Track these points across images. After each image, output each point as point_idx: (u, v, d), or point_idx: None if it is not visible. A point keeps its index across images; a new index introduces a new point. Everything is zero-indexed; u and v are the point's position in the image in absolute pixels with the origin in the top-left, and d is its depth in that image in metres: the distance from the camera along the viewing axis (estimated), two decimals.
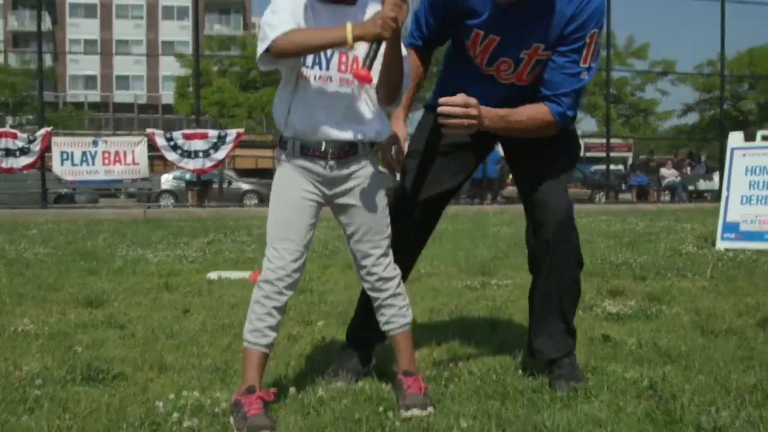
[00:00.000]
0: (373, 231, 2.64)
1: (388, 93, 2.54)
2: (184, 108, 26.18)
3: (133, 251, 7.82)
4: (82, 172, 16.44)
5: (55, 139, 16.23)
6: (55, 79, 44.70)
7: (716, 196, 24.95)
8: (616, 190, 24.49)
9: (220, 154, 16.70)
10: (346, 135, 2.53)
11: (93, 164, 16.35)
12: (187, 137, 16.49)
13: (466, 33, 2.83)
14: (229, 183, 25.31)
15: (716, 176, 25.77)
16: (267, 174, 38.78)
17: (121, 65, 62.20)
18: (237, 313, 4.29)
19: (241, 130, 17.44)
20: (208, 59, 25.47)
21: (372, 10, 2.51)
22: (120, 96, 57.51)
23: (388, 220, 2.69)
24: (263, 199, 26.16)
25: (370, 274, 2.66)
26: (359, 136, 2.55)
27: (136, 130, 43.23)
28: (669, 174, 25.96)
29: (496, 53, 2.81)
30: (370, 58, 2.35)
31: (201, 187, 18.09)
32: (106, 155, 16.39)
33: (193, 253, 7.67)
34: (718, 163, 25.76)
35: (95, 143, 16.49)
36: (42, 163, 16.60)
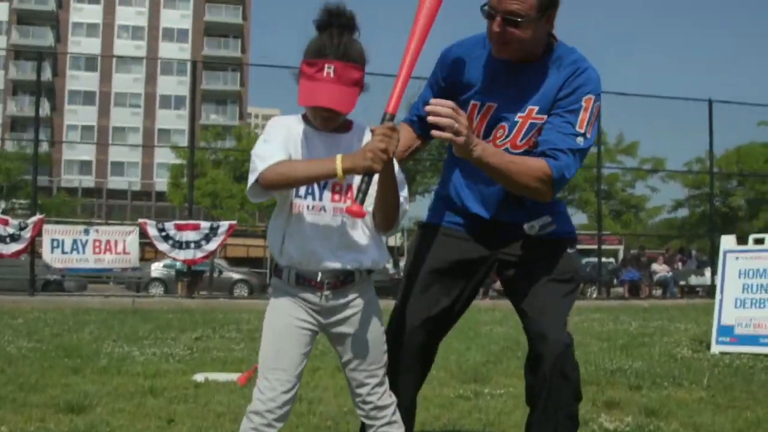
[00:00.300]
0: (368, 360, 2.55)
1: (385, 220, 2.49)
2: (178, 198, 26.33)
3: (119, 348, 7.66)
4: (72, 260, 16.40)
5: (46, 227, 16.25)
6: (50, 164, 44.99)
7: (708, 291, 25.02)
8: (608, 285, 24.47)
9: (212, 246, 16.69)
10: (342, 264, 2.46)
11: (83, 252, 16.31)
12: (179, 228, 16.50)
13: (463, 110, 2.76)
14: (220, 272, 25.22)
15: (707, 271, 25.84)
16: (258, 263, 38.88)
17: (117, 151, 62.85)
18: (224, 424, 4.16)
19: (234, 222, 17.49)
20: (203, 150, 25.74)
21: (368, 136, 2.47)
22: (114, 182, 57.86)
23: (385, 347, 2.61)
24: (254, 290, 26.07)
25: (365, 402, 2.57)
26: (355, 265, 2.48)
27: (129, 217, 43.35)
28: (660, 269, 26.02)
29: (493, 120, 2.79)
30: (362, 192, 2.29)
31: (191, 277, 18.01)
32: (97, 244, 16.36)
33: (181, 351, 7.52)
34: (709, 257, 25.92)
35: (86, 231, 16.50)
36: (32, 249, 16.52)
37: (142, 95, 66.53)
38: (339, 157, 2.29)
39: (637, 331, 10.54)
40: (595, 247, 23.37)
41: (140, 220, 17.30)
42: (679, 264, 28.37)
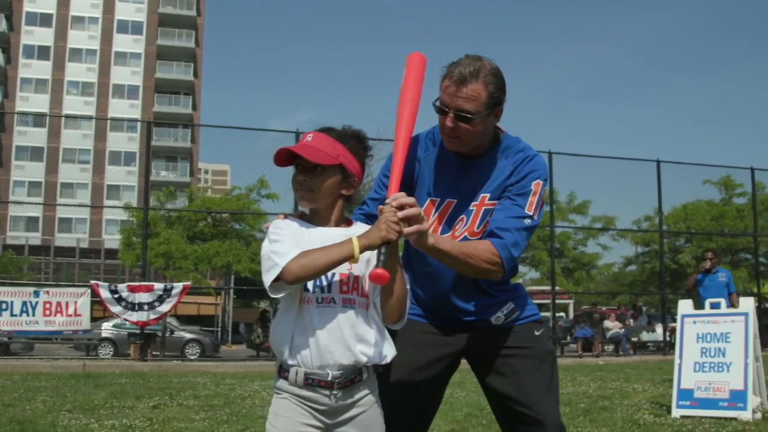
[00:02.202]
0: None
1: (394, 311, 2.50)
2: (130, 258, 25.93)
3: (75, 419, 7.46)
4: (21, 322, 16.05)
5: None
6: None
7: (659, 347, 25.39)
8: (562, 343, 24.62)
9: (165, 307, 16.47)
10: (353, 358, 2.44)
11: (33, 315, 15.99)
12: (131, 290, 16.26)
13: (419, 204, 2.85)
14: (171, 332, 24.76)
15: (659, 327, 26.22)
16: (209, 321, 38.39)
17: (65, 207, 61.82)
18: None
19: (188, 283, 17.29)
20: (156, 210, 25.53)
21: (362, 229, 2.51)
22: (61, 239, 56.78)
23: None
24: (206, 349, 25.66)
25: None
26: (364, 359, 2.46)
27: (78, 275, 42.53)
28: (613, 326, 26.31)
29: (453, 214, 2.90)
30: (382, 260, 2.34)
31: (144, 340, 17.64)
32: (48, 306, 16.05)
33: (140, 422, 7.34)
34: (660, 313, 26.29)
35: (36, 293, 16.16)
36: None
37: (92, 151, 65.84)
38: (354, 238, 2.35)
39: (597, 393, 10.60)
40: (547, 301, 23.61)
41: (92, 282, 17.00)
42: (631, 320, 28.73)
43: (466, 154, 2.91)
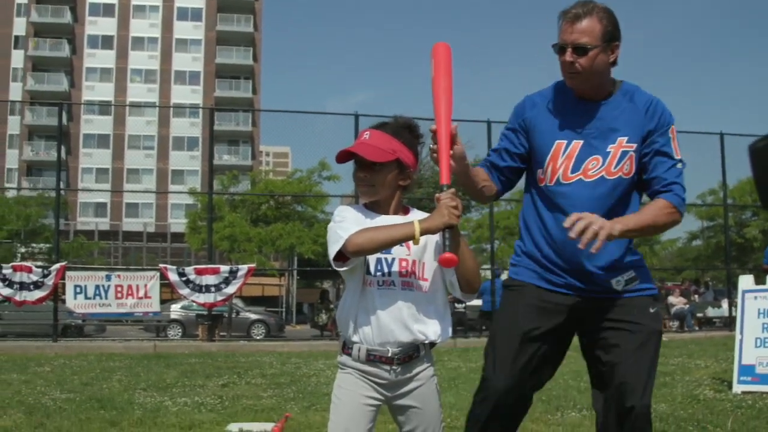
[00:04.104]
0: (429, 430, 2.71)
1: (466, 282, 2.67)
2: (196, 242, 26.53)
3: (150, 397, 7.82)
4: (95, 305, 16.59)
5: (69, 273, 16.48)
6: (66, 209, 45.45)
7: (725, 322, 25.00)
8: None
9: (231, 289, 16.87)
10: (411, 337, 2.63)
11: (106, 298, 16.51)
12: (198, 272, 16.69)
13: (546, 149, 3.07)
14: (237, 313, 25.35)
15: (724, 303, 25.80)
16: (273, 302, 39.02)
17: (131, 193, 63.41)
18: None
19: (253, 265, 17.68)
20: (220, 195, 26.03)
21: (420, 216, 2.67)
22: (129, 224, 58.24)
23: (442, 417, 2.77)
24: (271, 330, 26.19)
25: None
26: (422, 338, 2.65)
27: (145, 258, 43.64)
28: (677, 302, 25.98)
29: (582, 154, 3.03)
30: (448, 244, 2.49)
31: (211, 321, 18.12)
32: (119, 289, 16.57)
33: (211, 399, 7.67)
34: (726, 287, 25.91)
35: (108, 277, 16.70)
36: (55, 295, 16.72)
37: (156, 137, 67.24)
38: (415, 221, 2.52)
39: (658, 369, 10.59)
40: None
41: (161, 265, 17.51)
42: (695, 296, 28.33)
43: (588, 96, 3.06)
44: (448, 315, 2.76)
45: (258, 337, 24.73)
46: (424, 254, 2.69)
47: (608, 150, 3.01)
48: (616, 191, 3.01)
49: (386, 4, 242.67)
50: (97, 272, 17.43)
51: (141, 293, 16.62)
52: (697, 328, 24.92)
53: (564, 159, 3.04)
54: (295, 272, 34.90)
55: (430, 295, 2.69)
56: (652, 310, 3.08)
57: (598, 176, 3.01)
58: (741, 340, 8.38)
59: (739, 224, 32.33)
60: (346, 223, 2.61)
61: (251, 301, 32.63)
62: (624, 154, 3.00)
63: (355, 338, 2.66)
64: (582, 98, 3.06)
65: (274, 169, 62.55)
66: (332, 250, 2.59)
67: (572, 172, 3.03)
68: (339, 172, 24.85)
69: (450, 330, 2.75)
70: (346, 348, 2.70)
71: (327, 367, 11.47)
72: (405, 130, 2.73)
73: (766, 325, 8.29)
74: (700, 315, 26.79)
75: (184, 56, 70.44)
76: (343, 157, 2.71)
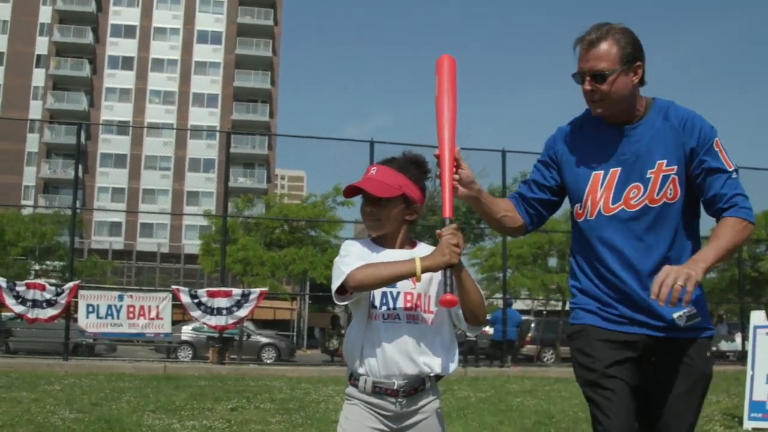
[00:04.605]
0: None
1: (471, 314, 2.68)
2: (209, 264, 26.62)
3: (159, 420, 7.84)
4: (107, 324, 16.67)
5: (81, 292, 16.57)
6: (81, 227, 45.76)
7: (739, 356, 24.81)
8: None
9: (243, 312, 16.91)
10: (416, 369, 2.65)
11: (117, 318, 16.58)
12: (211, 294, 16.75)
13: (583, 182, 2.96)
14: (248, 336, 25.36)
15: (738, 336, 25.62)
16: (284, 326, 39.01)
17: (146, 213, 63.78)
18: None
19: (265, 289, 17.72)
20: (235, 217, 26.15)
21: (427, 250, 2.71)
22: (143, 245, 58.51)
23: None
24: (281, 354, 26.17)
25: None
26: (427, 370, 2.67)
27: (158, 279, 43.77)
28: None
29: (621, 183, 2.89)
30: (449, 284, 2.51)
31: (222, 344, 18.15)
32: (131, 309, 16.65)
33: (219, 423, 7.68)
34: (739, 321, 25.72)
35: (121, 297, 16.78)
36: (67, 314, 16.80)
37: (173, 158, 67.72)
38: (417, 258, 2.54)
39: None
40: None
41: (173, 287, 17.58)
42: None
43: (620, 120, 2.93)
44: (454, 347, 2.77)
45: (268, 361, 24.73)
46: (429, 287, 2.71)
47: (648, 176, 2.87)
48: (664, 218, 2.87)
49: (404, 28, 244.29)
50: (109, 292, 17.51)
51: (153, 314, 16.68)
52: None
53: (603, 191, 2.92)
54: (307, 297, 34.89)
55: (436, 328, 2.71)
56: (708, 354, 2.95)
57: (641, 205, 2.87)
58: (752, 376, 8.32)
59: (753, 258, 32.14)
60: (350, 258, 2.65)
61: (262, 324, 32.64)
62: (665, 178, 2.86)
63: (361, 370, 2.69)
64: (614, 123, 2.94)
65: (289, 193, 62.94)
66: (334, 285, 2.63)
67: (613, 203, 2.90)
68: (353, 198, 24.93)
69: (456, 362, 2.76)
70: (353, 379, 2.73)
71: (336, 393, 11.46)
72: (412, 166, 2.77)
73: None
74: (714, 348, 26.61)
75: (202, 79, 71.09)
76: (351, 192, 2.76)
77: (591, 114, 2.98)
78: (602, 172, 2.92)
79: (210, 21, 72.46)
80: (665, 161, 2.86)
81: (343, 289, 2.62)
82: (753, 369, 8.39)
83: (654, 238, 2.87)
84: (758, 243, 32.38)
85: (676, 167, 2.86)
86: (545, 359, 25.44)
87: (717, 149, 2.86)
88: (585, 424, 8.07)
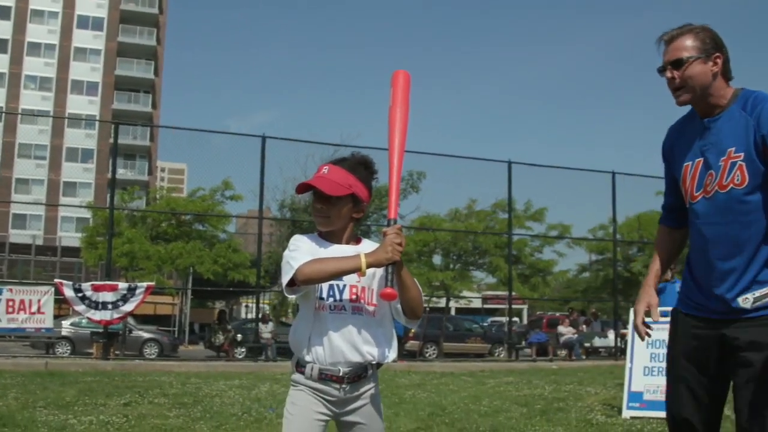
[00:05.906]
0: None
1: (410, 309, 2.87)
2: (93, 257, 25.81)
3: (53, 416, 7.68)
4: None
5: None
6: None
7: (611, 352, 26.08)
8: (517, 348, 25.19)
9: (128, 307, 16.62)
10: (360, 357, 2.82)
11: None
12: (96, 288, 16.36)
13: (679, 174, 3.16)
14: (130, 331, 24.78)
15: (611, 333, 26.91)
16: (166, 321, 38.24)
17: (19, 204, 60.99)
18: None
19: (152, 284, 17.42)
20: (122, 210, 25.51)
21: (371, 246, 2.88)
22: (16, 236, 56.01)
23: None
24: (164, 349, 25.66)
25: None
26: (370, 358, 2.85)
27: (33, 272, 42.08)
28: (566, 331, 26.91)
29: (702, 172, 3.04)
30: (390, 280, 2.70)
31: (107, 339, 17.72)
32: (11, 303, 16.07)
33: (116, 418, 7.59)
34: (612, 319, 27.00)
35: (0, 291, 16.15)
36: None
37: (48, 147, 65.06)
38: (362, 254, 2.72)
39: (552, 395, 11.06)
40: (502, 306, 24.06)
41: (56, 281, 17.05)
42: (584, 326, 29.40)
43: (706, 112, 3.06)
44: (394, 338, 2.96)
45: (151, 357, 24.21)
46: (373, 281, 2.88)
47: (720, 164, 2.99)
48: (734, 203, 2.95)
49: (290, 26, 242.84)
50: None
51: (34, 308, 16.17)
52: (584, 357, 25.86)
53: (690, 180, 3.09)
54: (189, 292, 34.32)
55: (379, 320, 2.89)
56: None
57: (714, 191, 3.00)
58: (630, 369, 8.88)
59: (626, 259, 33.70)
60: (298, 253, 2.80)
61: (143, 319, 31.89)
62: (733, 165, 2.95)
63: (308, 358, 2.83)
64: (704, 116, 3.08)
65: (169, 185, 61.42)
66: (284, 280, 2.78)
67: (696, 191, 3.07)
68: (243, 192, 24.71)
69: (395, 352, 2.95)
70: (300, 366, 2.87)
71: (228, 387, 11.46)
72: (361, 167, 2.94)
73: (653, 355, 8.81)
74: (587, 345, 27.85)
75: (82, 65, 68.55)
76: (302, 188, 2.89)
77: (692, 110, 3.17)
78: (690, 163, 3.11)
79: (91, 6, 69.90)
80: (734, 148, 2.96)
81: (292, 282, 2.75)
82: (632, 362, 8.95)
83: (728, 222, 2.97)
84: (630, 245, 33.98)
85: (743, 154, 2.93)
86: (427, 354, 25.98)
87: None
88: (476, 414, 8.42)
